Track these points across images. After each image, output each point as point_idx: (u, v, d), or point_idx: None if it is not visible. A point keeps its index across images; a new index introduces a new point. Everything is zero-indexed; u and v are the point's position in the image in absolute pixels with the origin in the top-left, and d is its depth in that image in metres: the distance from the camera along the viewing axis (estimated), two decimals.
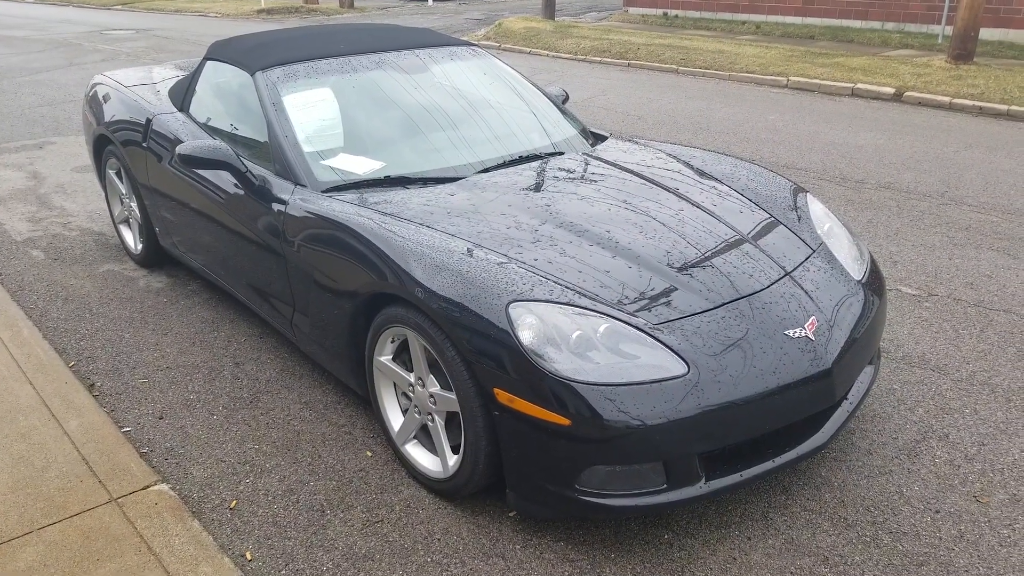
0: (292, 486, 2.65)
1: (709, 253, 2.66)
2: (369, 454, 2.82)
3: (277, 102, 3.24)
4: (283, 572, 2.29)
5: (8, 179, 6.06)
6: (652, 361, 2.23)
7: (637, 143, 3.70)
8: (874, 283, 2.88)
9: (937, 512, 2.55)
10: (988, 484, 2.68)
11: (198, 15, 22.01)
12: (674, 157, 3.49)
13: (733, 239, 2.78)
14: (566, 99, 4.26)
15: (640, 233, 2.71)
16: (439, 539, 2.42)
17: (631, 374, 2.19)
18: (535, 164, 3.24)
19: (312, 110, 3.29)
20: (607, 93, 9.77)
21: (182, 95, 3.91)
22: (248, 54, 3.56)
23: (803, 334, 2.44)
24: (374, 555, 2.36)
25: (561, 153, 3.41)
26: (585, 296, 2.35)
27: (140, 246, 4.32)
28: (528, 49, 13.69)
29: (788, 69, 10.66)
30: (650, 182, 3.13)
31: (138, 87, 4.25)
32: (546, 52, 13.38)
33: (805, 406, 2.41)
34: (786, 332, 2.42)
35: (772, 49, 12.15)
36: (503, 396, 2.22)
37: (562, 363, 2.17)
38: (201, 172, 3.39)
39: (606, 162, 3.32)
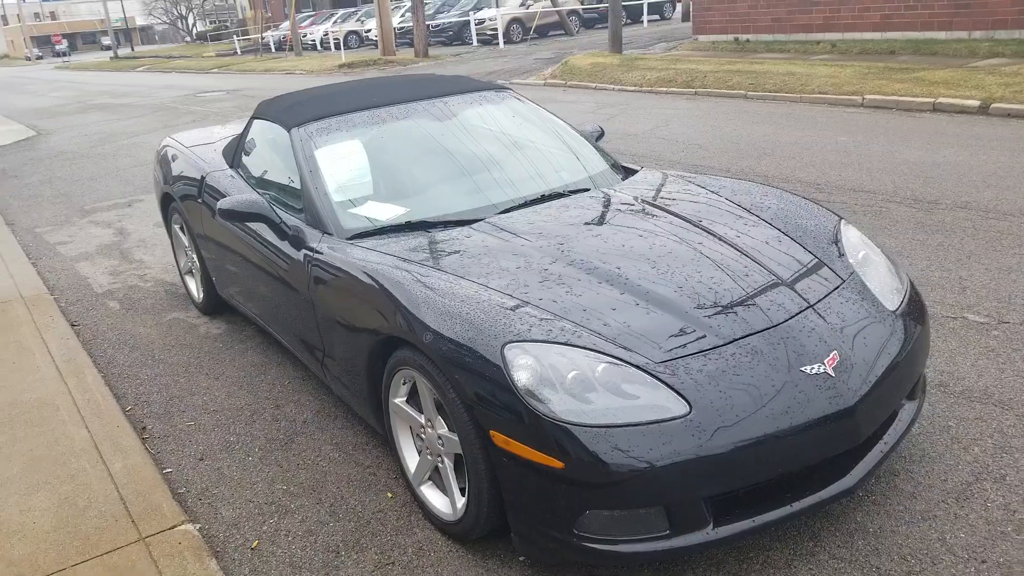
0: (312, 527, 2.71)
1: (725, 287, 2.59)
2: (390, 495, 2.85)
3: (309, 156, 3.39)
4: None
5: (97, 236, 6.54)
6: (652, 401, 2.18)
7: (668, 175, 3.66)
8: (912, 313, 2.72)
9: (983, 562, 2.35)
10: None
11: (286, 73, 23.29)
12: (703, 188, 3.43)
13: (753, 272, 2.69)
14: (600, 135, 4.27)
15: (652, 269, 2.67)
16: None
17: (628, 415, 2.14)
18: (556, 203, 3.25)
19: (343, 161, 3.42)
20: (670, 123, 9.69)
21: (232, 153, 4.15)
22: (287, 111, 3.74)
23: (822, 370, 2.32)
24: None
25: (586, 190, 3.41)
26: (586, 335, 2.32)
27: (201, 295, 4.57)
28: (594, 84, 13.78)
29: (864, 87, 10.30)
30: (672, 215, 3.09)
31: (198, 147, 4.54)
32: (612, 86, 13.42)
33: (824, 447, 2.29)
34: (802, 368, 2.31)
35: (847, 67, 11.78)
36: (499, 438, 2.21)
37: (557, 404, 2.15)
38: (247, 224, 3.57)
39: (629, 197, 3.30)
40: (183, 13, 54.50)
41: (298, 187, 3.40)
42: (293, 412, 3.49)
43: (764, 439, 2.17)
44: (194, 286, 4.70)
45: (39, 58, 61.02)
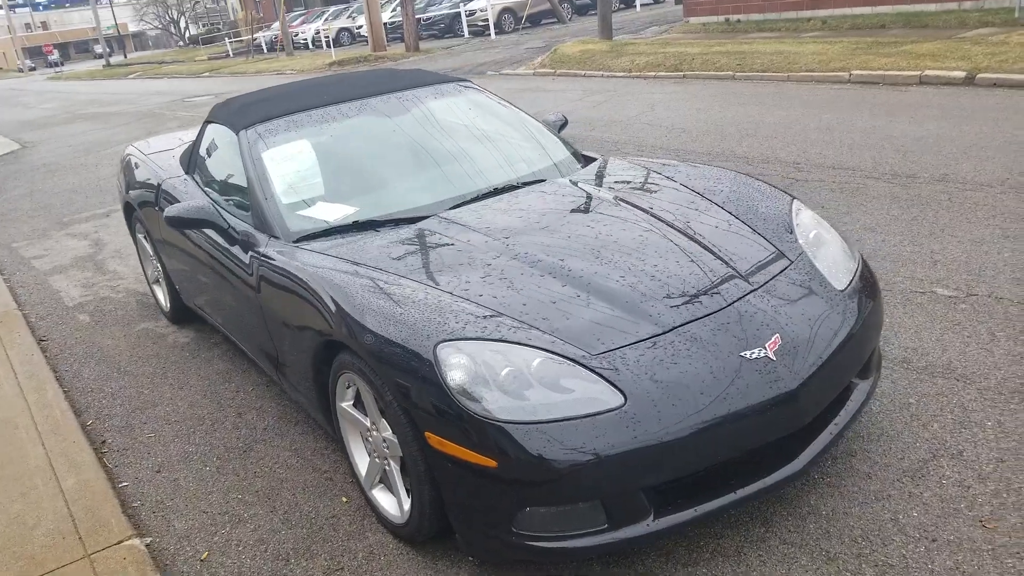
0: (264, 535, 2.69)
1: (669, 275, 2.54)
2: (344, 500, 2.83)
3: (257, 158, 3.35)
4: None
5: (73, 248, 6.54)
6: (587, 394, 2.14)
7: (625, 162, 3.61)
8: (862, 291, 2.67)
9: (933, 541, 2.31)
10: (999, 507, 2.41)
11: (276, 74, 23.25)
12: (659, 173, 3.38)
13: (699, 258, 2.64)
14: (563, 124, 4.21)
15: (596, 259, 2.62)
16: None
17: (562, 410, 2.10)
18: (507, 195, 3.21)
19: (291, 162, 3.39)
20: (656, 108, 9.61)
21: (188, 158, 4.12)
22: (237, 113, 3.71)
23: (763, 355, 2.28)
24: None
25: (541, 181, 3.36)
26: (523, 330, 2.28)
27: (169, 304, 4.55)
28: (583, 72, 13.68)
29: (850, 63, 10.18)
30: (623, 203, 3.04)
31: (157, 154, 4.51)
32: (601, 73, 13.32)
33: (766, 433, 2.25)
34: (743, 354, 2.27)
35: (836, 44, 11.65)
36: (434, 439, 2.18)
37: (491, 402, 2.11)
38: (200, 230, 3.54)
39: (582, 186, 3.25)
40: (175, 17, 54.47)
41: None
42: (254, 419, 3.46)
43: (701, 427, 2.13)
44: (162, 295, 4.68)
45: (32, 69, 61.12)
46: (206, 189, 3.80)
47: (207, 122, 4.00)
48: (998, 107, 7.47)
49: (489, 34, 23.56)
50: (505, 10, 24.65)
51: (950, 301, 3.74)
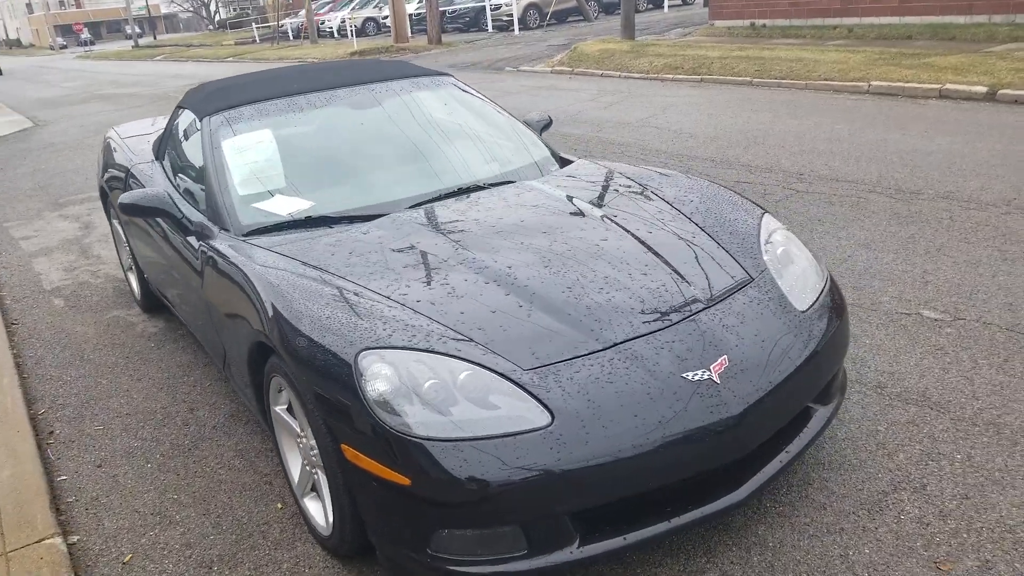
0: (193, 539, 2.60)
1: (619, 288, 2.41)
2: (280, 506, 2.73)
3: (216, 146, 3.26)
4: None
5: (62, 230, 6.52)
6: (513, 412, 2.03)
7: (600, 167, 3.48)
8: (825, 313, 2.53)
9: None
10: (957, 548, 2.26)
11: (298, 61, 23.25)
12: (632, 180, 3.25)
13: (654, 271, 2.51)
14: (547, 125, 4.08)
15: (546, 268, 2.50)
16: None
17: (484, 427, 1.99)
18: (470, 197, 3.09)
19: (252, 152, 3.29)
20: (667, 111, 9.44)
21: (159, 144, 4.05)
22: (205, 99, 3.62)
23: (706, 377, 2.15)
24: None
25: (509, 183, 3.24)
26: (454, 341, 2.17)
27: (140, 292, 4.49)
28: (600, 71, 13.51)
29: (870, 73, 9.94)
30: (585, 211, 2.92)
31: (133, 138, 4.44)
32: (618, 73, 13.14)
33: (705, 460, 2.12)
34: (684, 375, 2.14)
35: (858, 53, 11.39)
36: (349, 452, 2.08)
37: (412, 416, 2.00)
38: (157, 219, 3.46)
39: (549, 191, 3.12)
40: (205, 1, 54.79)
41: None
42: (205, 416, 3.38)
43: (633, 452, 2.01)
44: (135, 283, 4.62)
45: (63, 47, 61.78)
46: (171, 176, 3.73)
47: (178, 107, 3.92)
48: (1016, 125, 7.23)
49: (513, 30, 23.41)
50: (531, 6, 24.47)
51: (935, 324, 3.57)
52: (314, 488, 2.55)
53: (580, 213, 2.89)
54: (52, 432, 3.35)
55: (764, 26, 15.88)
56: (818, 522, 2.42)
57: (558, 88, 12.47)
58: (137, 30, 53.25)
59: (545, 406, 2.03)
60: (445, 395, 2.04)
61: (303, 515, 2.59)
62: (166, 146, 3.95)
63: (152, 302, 4.40)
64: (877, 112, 8.32)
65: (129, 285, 4.75)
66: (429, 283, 2.45)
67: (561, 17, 25.33)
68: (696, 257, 2.62)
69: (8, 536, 2.52)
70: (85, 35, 59.74)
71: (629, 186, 3.19)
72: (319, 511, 2.50)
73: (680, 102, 10.05)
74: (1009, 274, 4.01)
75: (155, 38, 55.63)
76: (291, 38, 33.90)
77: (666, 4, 25.24)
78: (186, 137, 3.67)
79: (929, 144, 6.74)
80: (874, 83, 9.58)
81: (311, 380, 2.17)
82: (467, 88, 3.98)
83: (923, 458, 2.66)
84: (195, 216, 3.18)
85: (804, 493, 2.55)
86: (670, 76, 12.23)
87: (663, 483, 2.09)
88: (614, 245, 2.65)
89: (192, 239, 3.13)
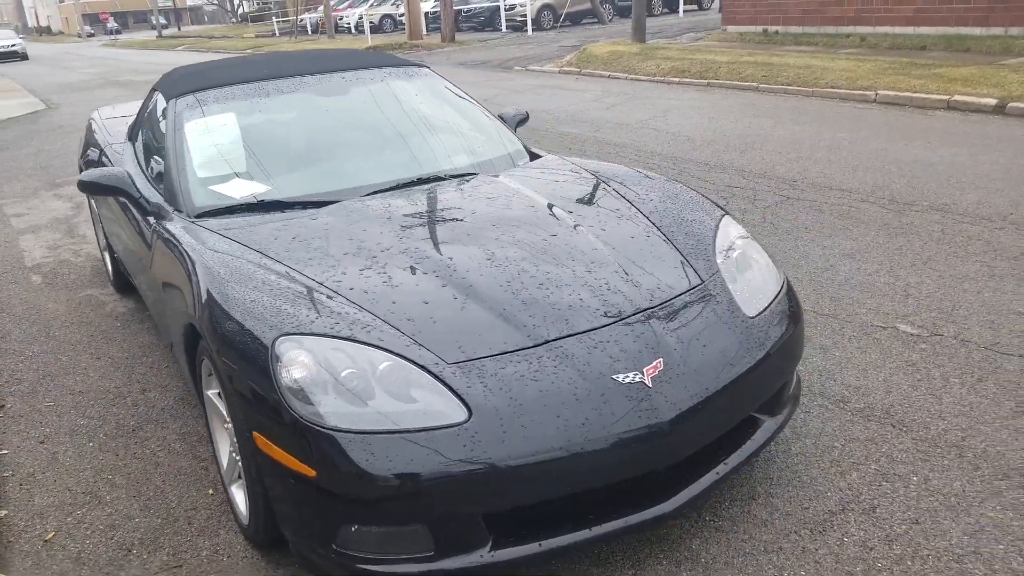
0: (117, 521, 2.55)
1: (559, 284, 2.33)
2: (211, 492, 2.67)
3: (179, 128, 3.21)
4: None
5: (54, 209, 6.51)
6: (431, 406, 1.96)
7: (566, 162, 3.40)
8: (777, 320, 2.44)
9: None
10: (899, 575, 2.17)
11: None
12: (594, 176, 3.17)
13: (599, 269, 2.43)
14: (523, 120, 4.01)
15: (488, 261, 2.43)
16: None
17: (396, 421, 1.92)
18: (426, 187, 3.02)
19: (214, 135, 3.24)
20: (668, 114, 9.33)
21: (132, 126, 4.01)
22: (177, 81, 3.57)
23: (637, 379, 2.07)
24: None
25: (471, 175, 3.17)
26: (378, 330, 2.10)
27: (112, 271, 4.45)
28: (607, 73, 13.42)
29: (878, 83, 9.78)
30: (539, 206, 2.84)
31: (112, 120, 4.42)
32: (625, 75, 13.05)
33: (631, 466, 2.03)
34: (615, 376, 2.06)
35: (868, 62, 11.23)
36: (260, 440, 2.01)
37: (325, 407, 1.93)
38: (118, 199, 3.41)
39: (508, 185, 3.04)
40: None
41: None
42: (156, 398, 3.33)
43: (553, 453, 1.93)
44: (109, 262, 4.59)
45: (91, 35, 62.41)
46: (140, 158, 3.68)
47: (153, 89, 3.88)
48: (1023, 138, 7.07)
49: (526, 30, 23.33)
50: (545, 7, 24.38)
51: (911, 339, 3.46)
52: (240, 475, 2.49)
53: (534, 208, 2.81)
54: (3, 406, 3.31)
55: (777, 33, 15.71)
56: (756, 539, 2.33)
57: (564, 88, 12.39)
58: (163, 21, 53.60)
59: (463, 402, 1.96)
60: (362, 385, 1.97)
61: (230, 503, 2.53)
62: (139, 128, 3.90)
63: (123, 281, 4.37)
64: (882, 121, 8.18)
65: (104, 265, 4.72)
66: (365, 270, 2.38)
67: (575, 19, 25.23)
68: (646, 257, 2.54)
69: None
70: (112, 24, 60.30)
71: (592, 183, 3.10)
72: (242, 499, 2.44)
73: (683, 105, 9.94)
74: (995, 291, 3.89)
75: (179, 29, 56.03)
76: (309, 33, 33.99)
77: (681, 9, 25.04)
78: (155, 119, 3.63)
79: (931, 155, 6.60)
80: (882, 92, 9.43)
81: (230, 364, 2.11)
82: (442, 80, 3.91)
83: (877, 478, 2.56)
84: (154, 197, 3.13)
85: (746, 508, 2.46)
86: (676, 80, 12.11)
87: (585, 488, 2.01)
88: (563, 241, 2.57)
89: (150, 219, 3.08)
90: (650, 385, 2.07)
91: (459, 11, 27.35)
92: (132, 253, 3.53)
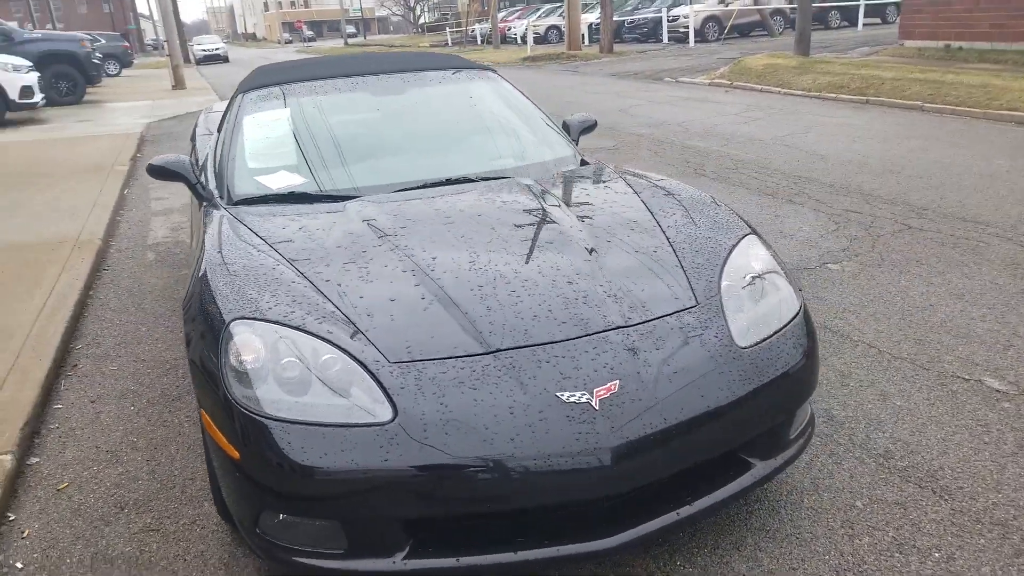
0: (123, 481, 2.72)
1: (533, 293, 2.22)
2: None
3: (238, 120, 3.40)
4: (34, 554, 2.36)
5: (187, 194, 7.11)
6: (361, 403, 1.93)
7: (608, 170, 3.25)
8: (775, 355, 2.19)
9: None
10: None
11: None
12: (630, 186, 2.99)
13: (583, 281, 2.28)
14: (589, 127, 3.87)
15: (470, 265, 2.36)
16: (185, 559, 2.32)
17: (323, 414, 1.91)
18: (449, 188, 2.99)
19: (269, 128, 3.41)
20: (809, 132, 8.75)
21: (220, 119, 4.29)
22: (252, 78, 3.79)
23: (584, 399, 1.93)
24: (116, 559, 2.33)
25: (503, 179, 3.12)
26: (331, 324, 2.10)
27: None
28: (759, 87, 12.81)
29: None
30: (547, 214, 2.71)
31: (214, 114, 4.76)
32: (778, 89, 12.39)
33: (560, 491, 1.89)
34: (559, 394, 1.94)
35: None
36: (205, 418, 2.08)
37: (260, 391, 1.96)
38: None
39: (532, 191, 2.93)
40: (411, 5, 58.16)
41: None
42: None
43: (474, 464, 1.84)
44: None
45: (288, 42, 68.19)
46: (214, 148, 3.93)
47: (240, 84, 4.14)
48: None
49: (688, 42, 22.77)
50: (710, 18, 23.66)
51: (994, 396, 3.01)
52: None
53: (544, 216, 2.71)
54: (76, 366, 3.66)
55: (960, 48, 14.28)
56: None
57: (708, 100, 11.95)
58: (352, 30, 57.42)
59: (392, 402, 1.91)
60: (301, 376, 1.98)
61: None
62: (223, 119, 4.18)
63: None
64: None
65: None
66: (349, 264, 2.39)
67: (744, 31, 24.30)
68: (645, 273, 2.37)
69: None
70: (306, 32, 65.57)
71: (623, 193, 2.94)
72: None
73: (830, 123, 9.28)
74: None
75: (365, 38, 59.84)
76: (478, 42, 35.10)
77: (860, 22, 23.44)
78: (228, 112, 3.87)
79: None
80: None
81: (193, 344, 2.20)
82: (506, 84, 3.87)
83: (891, 548, 2.24)
84: (211, 184, 3.33)
85: (726, 559, 2.23)
86: (832, 95, 11.34)
87: (512, 508, 1.90)
88: (556, 249, 2.46)
89: (204, 204, 3.28)
90: (597, 408, 1.92)
91: (622, 23, 27.20)
92: (195, 236, 3.78)
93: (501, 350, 2.04)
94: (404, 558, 1.90)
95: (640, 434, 1.91)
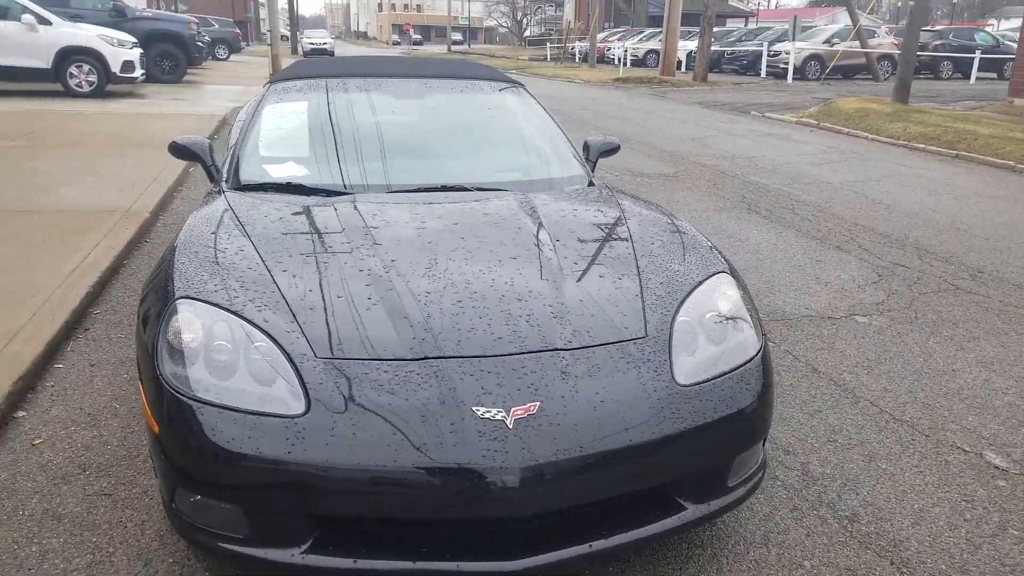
0: (94, 444, 2.83)
1: (477, 305, 2.20)
2: None
3: (259, 109, 3.52)
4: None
5: None
6: (280, 393, 1.95)
7: (608, 193, 3.19)
8: (715, 397, 2.10)
9: None
10: None
11: (566, 81, 24.21)
12: (621, 212, 2.93)
13: (533, 300, 2.24)
14: (611, 150, 3.81)
15: (427, 272, 2.35)
16: (126, 526, 2.39)
17: (241, 399, 1.94)
18: (439, 195, 3.00)
19: (286, 119, 3.51)
20: (884, 180, 8.39)
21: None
22: (284, 71, 3.92)
23: (499, 416, 1.90)
24: (64, 517, 2.42)
25: (500, 191, 3.10)
26: (271, 313, 2.13)
27: None
28: (846, 130, 12.37)
29: None
30: (524, 230, 2.67)
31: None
32: (865, 134, 11.95)
33: (459, 506, 1.86)
34: (474, 408, 1.91)
35: None
36: (141, 390, 2.14)
37: (189, 370, 2.00)
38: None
39: (521, 206, 2.90)
40: (518, 18, 58.97)
41: None
42: None
43: (375, 468, 1.83)
44: None
45: (396, 43, 70.26)
46: (236, 132, 4.07)
47: None
48: None
49: (786, 79, 22.23)
50: (812, 57, 23.06)
51: (991, 472, 2.80)
52: None
53: (519, 231, 2.67)
54: (88, 329, 3.83)
55: None
56: None
57: (788, 139, 11.63)
58: (458, 37, 58.60)
59: (307, 396, 1.93)
60: (229, 360, 2.02)
61: None
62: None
63: None
64: None
65: None
66: (309, 257, 2.43)
67: (848, 73, 23.57)
68: (602, 301, 2.31)
69: None
70: (414, 36, 67.47)
71: (613, 218, 2.88)
72: None
73: (909, 173, 8.87)
74: None
75: (469, 46, 61.00)
76: (576, 60, 35.23)
77: (974, 75, 22.33)
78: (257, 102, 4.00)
79: None
80: None
81: (141, 317, 2.28)
82: (531, 99, 3.87)
83: None
84: (224, 167, 3.45)
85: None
86: (921, 146, 10.84)
87: (412, 516, 1.90)
88: (518, 266, 2.43)
89: (212, 186, 3.41)
90: (510, 427, 1.89)
91: (722, 53, 26.83)
92: None
93: (429, 358, 2.03)
94: (303, 552, 1.91)
95: (551, 458, 1.87)
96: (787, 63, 22.47)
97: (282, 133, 3.45)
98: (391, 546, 1.94)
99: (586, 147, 3.78)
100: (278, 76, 3.80)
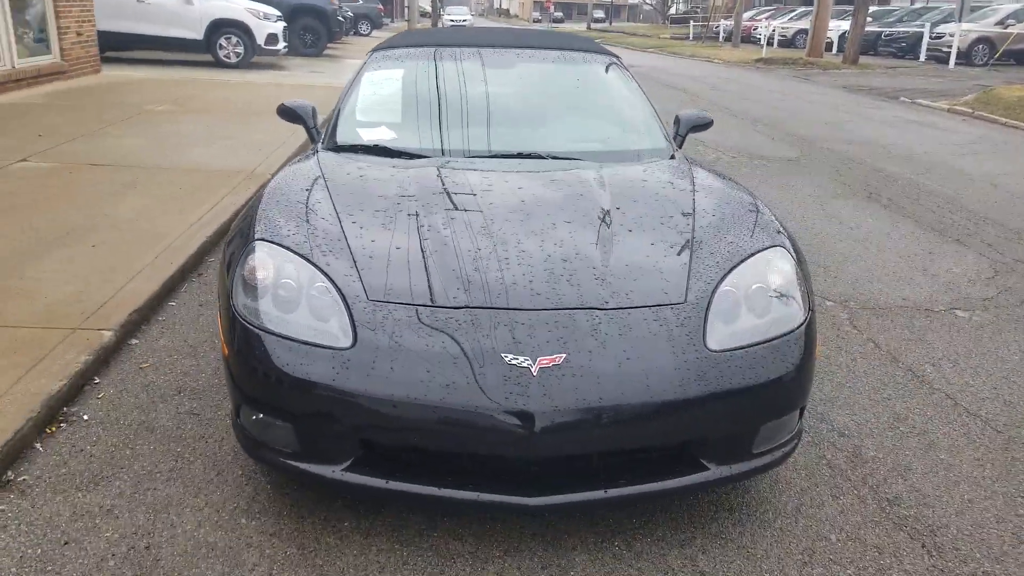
0: (192, 371, 3.18)
1: (523, 264, 2.34)
2: None
3: (359, 77, 3.77)
4: (99, 412, 2.87)
5: None
6: (332, 329, 2.17)
7: (683, 164, 3.21)
8: (748, 363, 2.13)
9: None
10: None
11: (705, 60, 23.57)
12: (692, 183, 2.95)
13: (579, 262, 2.36)
14: (703, 125, 3.79)
15: (482, 228, 2.51)
16: (207, 441, 2.71)
17: (299, 331, 2.17)
18: (514, 162, 3.14)
19: (382, 86, 3.75)
20: None
21: None
22: (389, 39, 4.16)
23: (525, 364, 2.04)
24: (156, 429, 2.77)
25: (573, 159, 3.20)
26: (335, 259, 2.35)
27: None
28: (1004, 119, 11.39)
29: None
30: (587, 196, 2.76)
31: None
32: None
33: (482, 443, 2.02)
34: (504, 355, 2.06)
35: None
36: (219, 318, 2.43)
37: (259, 303, 2.25)
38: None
39: (590, 174, 2.99)
40: None
41: None
42: None
43: (408, 401, 2.01)
44: None
45: (537, 21, 70.42)
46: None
47: None
48: None
49: (948, 63, 20.57)
50: (980, 39, 21.13)
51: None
52: None
53: (581, 198, 2.77)
54: (201, 274, 4.24)
55: None
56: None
57: (935, 127, 10.86)
58: (600, 15, 57.95)
59: (354, 332, 2.13)
60: (292, 297, 2.26)
61: None
62: None
63: None
64: None
65: None
66: (379, 212, 2.62)
67: (1021, 58, 21.45)
68: (649, 267, 2.39)
69: (85, 325, 3.39)
70: (555, 13, 67.43)
71: (682, 190, 2.90)
72: None
73: None
74: None
75: (611, 24, 60.21)
76: (719, 39, 34.07)
77: None
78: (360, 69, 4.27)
79: None
80: None
81: (226, 256, 2.56)
82: (624, 73, 3.90)
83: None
84: (324, 130, 3.74)
85: (664, 551, 2.21)
86: None
87: (438, 447, 2.08)
88: (568, 230, 2.53)
89: (312, 147, 3.71)
90: (535, 375, 2.02)
91: (879, 34, 25.15)
92: None
93: (470, 307, 2.19)
94: (342, 470, 2.12)
95: (569, 406, 1.98)
96: (950, 46, 20.77)
97: (377, 99, 3.69)
98: (421, 473, 2.12)
99: (677, 121, 3.78)
100: (380, 45, 4.03)
